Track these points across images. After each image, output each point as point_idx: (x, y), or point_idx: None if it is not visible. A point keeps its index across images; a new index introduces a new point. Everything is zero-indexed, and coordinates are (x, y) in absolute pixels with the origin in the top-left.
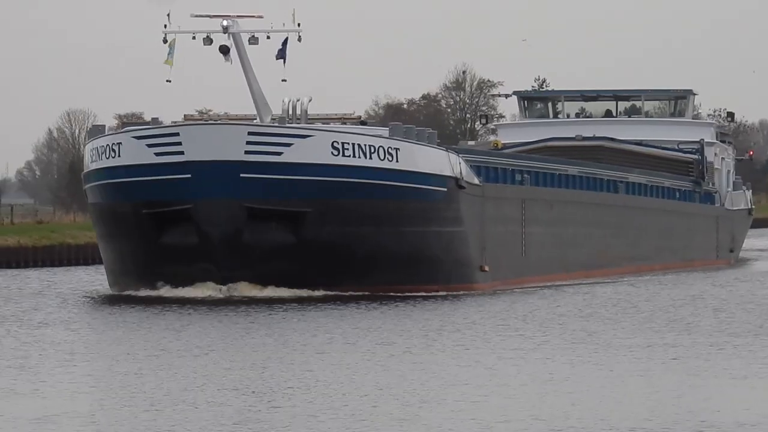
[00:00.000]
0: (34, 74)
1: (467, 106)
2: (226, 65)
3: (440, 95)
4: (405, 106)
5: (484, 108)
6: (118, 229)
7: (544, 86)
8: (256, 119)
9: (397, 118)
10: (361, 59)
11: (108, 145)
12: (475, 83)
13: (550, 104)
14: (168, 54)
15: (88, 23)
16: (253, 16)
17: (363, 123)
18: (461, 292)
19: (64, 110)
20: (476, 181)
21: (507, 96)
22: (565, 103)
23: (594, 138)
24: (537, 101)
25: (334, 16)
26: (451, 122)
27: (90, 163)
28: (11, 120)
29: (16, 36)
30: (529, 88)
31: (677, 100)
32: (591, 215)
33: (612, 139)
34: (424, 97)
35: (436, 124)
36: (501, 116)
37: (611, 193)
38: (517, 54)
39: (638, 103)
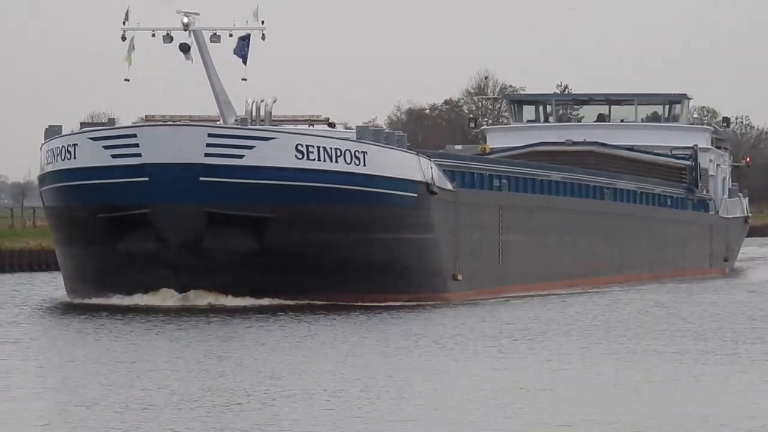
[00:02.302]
0: (52, 76)
1: (489, 111)
2: (187, 64)
3: (462, 101)
4: (427, 111)
5: (506, 114)
6: (75, 234)
7: (566, 92)
8: (219, 120)
9: (420, 123)
10: (369, 62)
11: (64, 146)
12: (497, 89)
13: (540, 108)
14: (128, 52)
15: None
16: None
17: (331, 125)
18: (432, 303)
19: (86, 113)
20: (449, 186)
21: (496, 99)
22: (556, 106)
23: (584, 143)
24: (527, 105)
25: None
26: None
27: (45, 165)
28: (33, 123)
29: (27, 38)
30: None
31: (671, 105)
32: (575, 222)
33: (603, 144)
34: (446, 102)
35: (457, 130)
36: None
37: (597, 199)
38: (513, 55)
39: (631, 107)
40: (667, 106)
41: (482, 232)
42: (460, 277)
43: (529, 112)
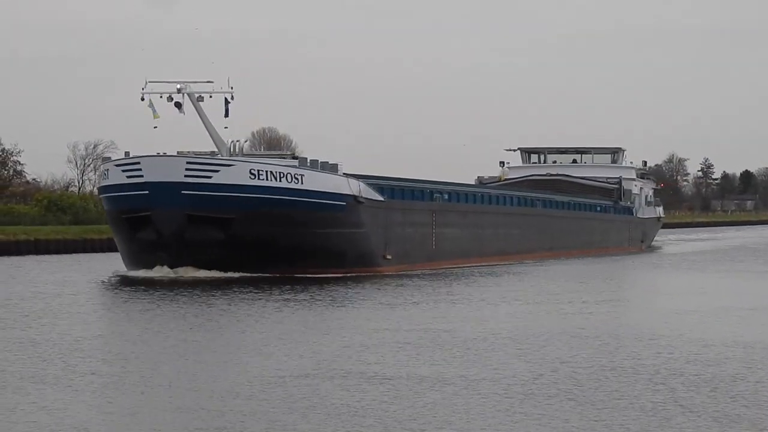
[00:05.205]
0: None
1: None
2: (180, 115)
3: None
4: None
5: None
6: (115, 227)
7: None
8: (217, 153)
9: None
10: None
11: (104, 170)
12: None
13: (539, 155)
14: (153, 111)
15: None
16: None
17: (295, 158)
18: (365, 274)
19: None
20: (379, 197)
21: (514, 150)
22: (548, 154)
23: (557, 175)
24: (531, 153)
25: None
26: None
27: (100, 182)
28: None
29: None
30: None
31: (613, 153)
32: (508, 221)
33: (567, 176)
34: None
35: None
36: None
37: (529, 207)
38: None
39: (590, 155)
40: (610, 155)
41: (415, 227)
42: (389, 257)
43: (533, 157)
